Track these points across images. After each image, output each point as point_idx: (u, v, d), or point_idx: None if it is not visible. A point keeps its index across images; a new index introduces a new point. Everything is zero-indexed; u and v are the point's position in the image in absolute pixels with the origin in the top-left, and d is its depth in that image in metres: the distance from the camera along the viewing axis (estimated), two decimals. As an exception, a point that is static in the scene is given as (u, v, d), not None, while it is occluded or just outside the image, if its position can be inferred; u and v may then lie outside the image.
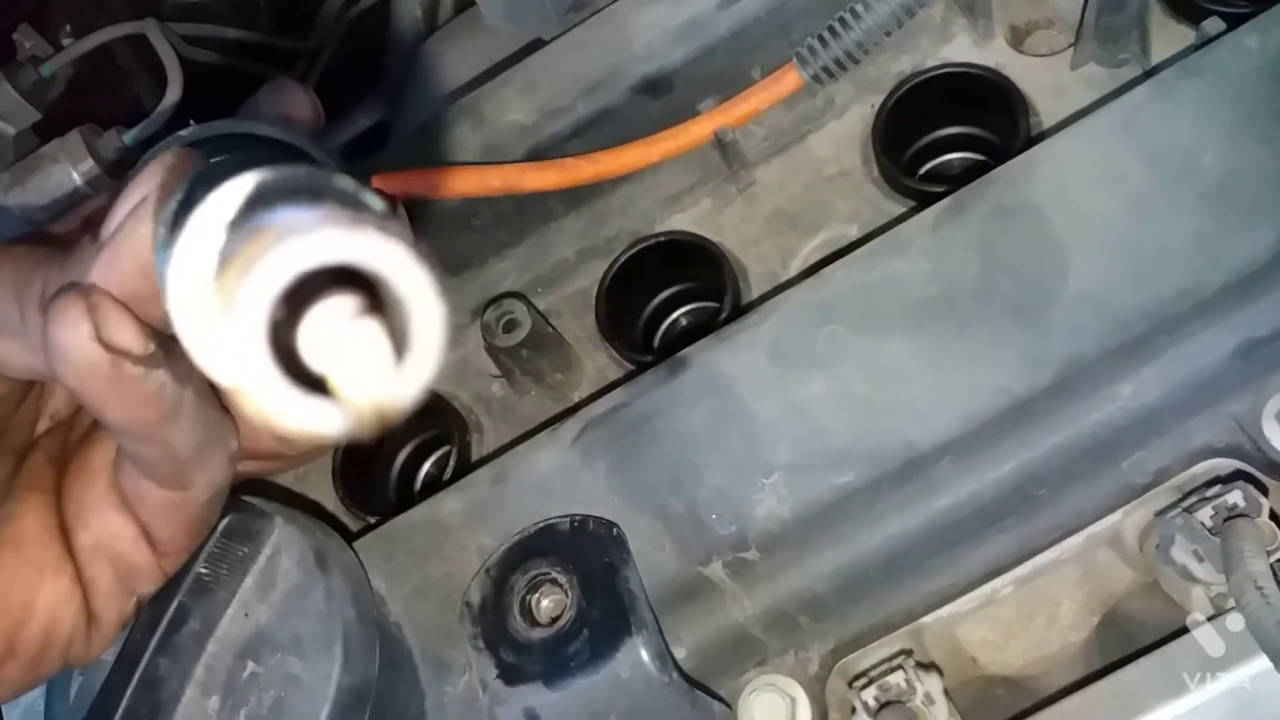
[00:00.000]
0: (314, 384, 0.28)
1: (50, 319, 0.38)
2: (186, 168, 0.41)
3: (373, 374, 0.28)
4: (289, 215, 0.28)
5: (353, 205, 0.29)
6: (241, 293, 0.26)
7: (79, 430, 0.51)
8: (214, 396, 0.44)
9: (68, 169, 0.81)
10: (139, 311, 0.40)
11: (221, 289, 0.28)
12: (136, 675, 0.52)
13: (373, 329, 0.28)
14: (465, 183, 0.64)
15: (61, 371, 0.39)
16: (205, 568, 0.53)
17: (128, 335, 0.39)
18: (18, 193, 0.81)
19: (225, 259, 0.29)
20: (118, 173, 0.84)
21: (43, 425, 0.51)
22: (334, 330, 0.28)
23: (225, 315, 0.27)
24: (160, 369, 0.40)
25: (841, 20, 0.64)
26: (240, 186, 0.30)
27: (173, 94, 0.86)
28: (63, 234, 0.50)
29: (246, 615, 0.54)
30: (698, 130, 0.66)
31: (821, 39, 0.64)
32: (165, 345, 0.41)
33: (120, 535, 0.48)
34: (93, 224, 0.43)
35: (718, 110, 0.66)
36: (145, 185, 0.41)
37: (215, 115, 0.48)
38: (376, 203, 0.31)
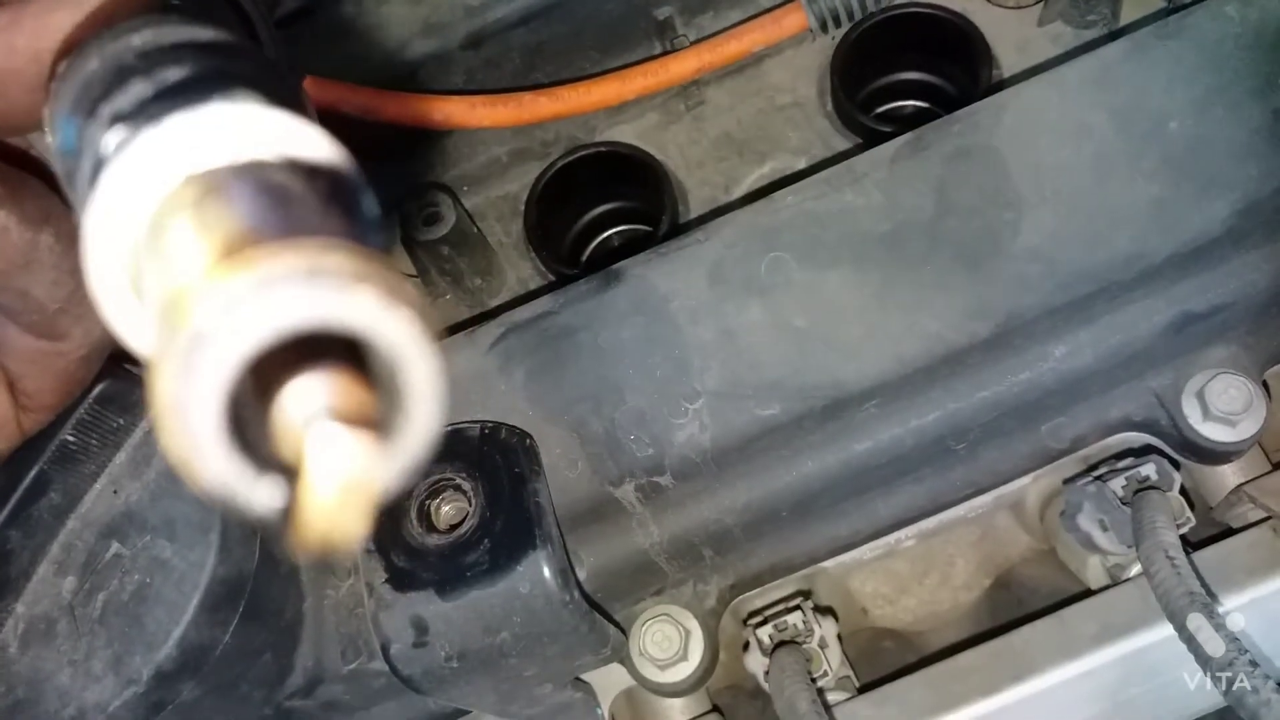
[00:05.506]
0: (259, 452, 0.22)
1: None
2: None
3: (339, 477, 0.21)
4: (259, 219, 0.21)
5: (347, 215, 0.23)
6: (195, 356, 0.20)
7: None
8: None
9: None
10: (5, 99, 0.35)
11: (167, 311, 0.21)
12: (-17, 546, 0.47)
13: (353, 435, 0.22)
14: (402, 110, 0.57)
15: None
16: (73, 435, 0.48)
17: None
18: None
19: (169, 257, 0.22)
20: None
21: None
22: (303, 413, 0.22)
23: (168, 352, 0.20)
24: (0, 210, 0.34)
25: None
26: (208, 138, 0.23)
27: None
28: None
29: (115, 492, 0.49)
30: (679, 68, 0.61)
31: None
32: (11, 180, 0.35)
33: None
34: None
35: (705, 46, 0.61)
36: None
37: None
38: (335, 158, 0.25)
